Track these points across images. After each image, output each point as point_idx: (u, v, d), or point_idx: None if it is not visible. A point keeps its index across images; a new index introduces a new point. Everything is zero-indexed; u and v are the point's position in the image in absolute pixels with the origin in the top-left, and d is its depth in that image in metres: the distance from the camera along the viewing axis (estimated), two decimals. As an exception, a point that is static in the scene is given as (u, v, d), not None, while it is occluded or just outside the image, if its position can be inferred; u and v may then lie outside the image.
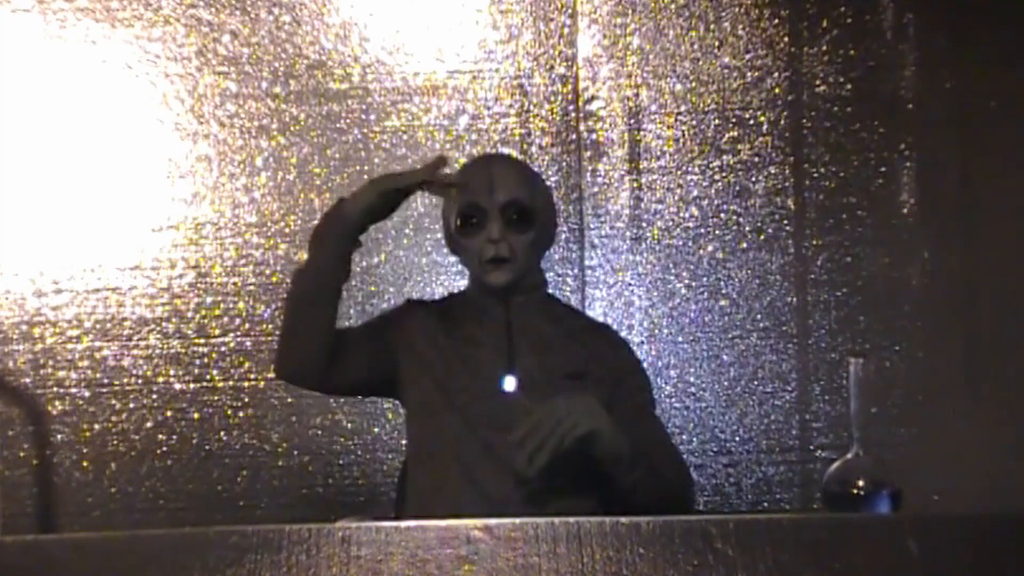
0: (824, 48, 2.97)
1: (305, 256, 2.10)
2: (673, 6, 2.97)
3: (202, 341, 2.96)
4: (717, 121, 2.97)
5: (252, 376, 2.94)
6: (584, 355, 2.11)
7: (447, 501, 2.03)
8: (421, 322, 2.17)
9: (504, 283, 2.10)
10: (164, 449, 2.95)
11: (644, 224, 2.96)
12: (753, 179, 2.96)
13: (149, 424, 2.95)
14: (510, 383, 2.06)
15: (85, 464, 2.94)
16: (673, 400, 2.94)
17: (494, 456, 2.01)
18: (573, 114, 2.97)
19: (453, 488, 2.03)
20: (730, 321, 2.96)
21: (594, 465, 1.90)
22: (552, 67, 2.98)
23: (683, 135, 2.97)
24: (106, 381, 2.95)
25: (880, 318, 2.95)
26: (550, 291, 2.29)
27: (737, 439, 2.95)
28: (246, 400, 2.96)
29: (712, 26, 2.97)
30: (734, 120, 2.97)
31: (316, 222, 2.09)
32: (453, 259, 2.96)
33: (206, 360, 2.96)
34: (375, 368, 2.16)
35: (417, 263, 2.96)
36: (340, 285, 2.06)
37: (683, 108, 2.97)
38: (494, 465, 2.01)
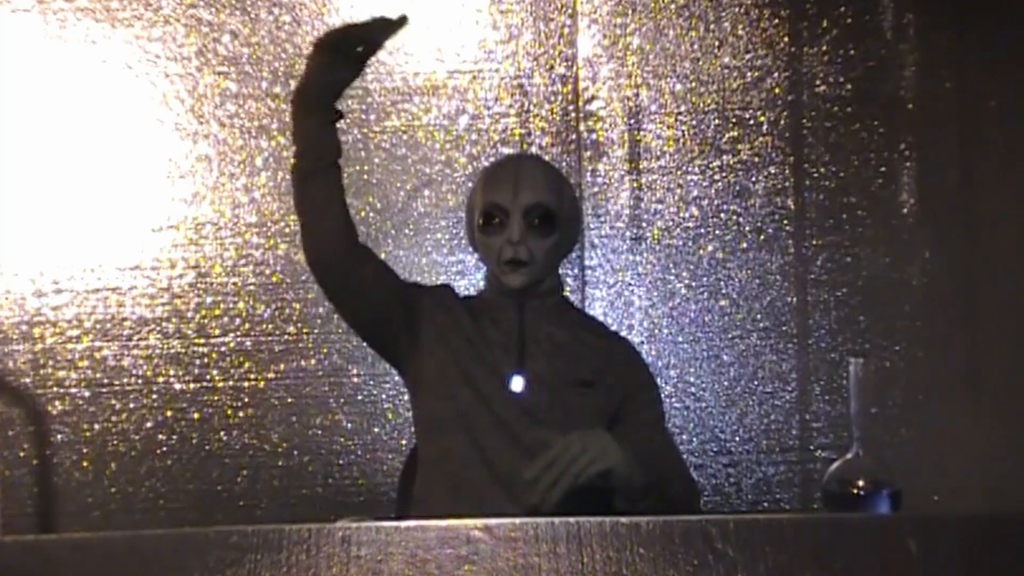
0: (824, 48, 2.97)
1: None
2: (673, 6, 2.98)
3: (202, 341, 2.96)
4: (717, 121, 2.97)
5: (252, 376, 2.94)
6: (596, 364, 2.11)
7: (453, 471, 2.03)
8: (450, 303, 2.17)
9: (520, 285, 2.09)
10: (164, 449, 2.95)
11: (644, 224, 2.96)
12: (753, 179, 2.96)
13: (149, 424, 2.95)
14: (518, 384, 2.06)
15: (85, 464, 2.94)
16: (673, 400, 2.94)
17: (503, 430, 2.01)
18: (573, 114, 2.97)
19: (460, 458, 2.03)
20: (730, 321, 2.96)
21: (606, 496, 1.89)
22: (552, 67, 2.98)
23: (683, 135, 2.97)
24: (106, 381, 2.95)
25: (880, 318, 2.95)
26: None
27: (737, 439, 2.95)
28: (246, 400, 2.96)
29: (712, 26, 2.97)
30: (734, 120, 2.97)
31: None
32: (453, 259, 2.96)
33: (206, 360, 2.96)
34: (390, 307, 2.12)
35: (417, 263, 2.96)
36: (331, 159, 2.02)
37: (683, 108, 2.97)
38: (503, 439, 2.01)
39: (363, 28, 1.96)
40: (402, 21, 1.93)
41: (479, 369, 2.07)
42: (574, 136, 2.97)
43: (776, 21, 2.97)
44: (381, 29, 1.94)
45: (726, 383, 2.95)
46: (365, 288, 2.09)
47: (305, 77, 1.99)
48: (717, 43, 2.97)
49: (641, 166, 2.97)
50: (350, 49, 1.96)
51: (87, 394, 2.94)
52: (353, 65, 1.98)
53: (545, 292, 2.15)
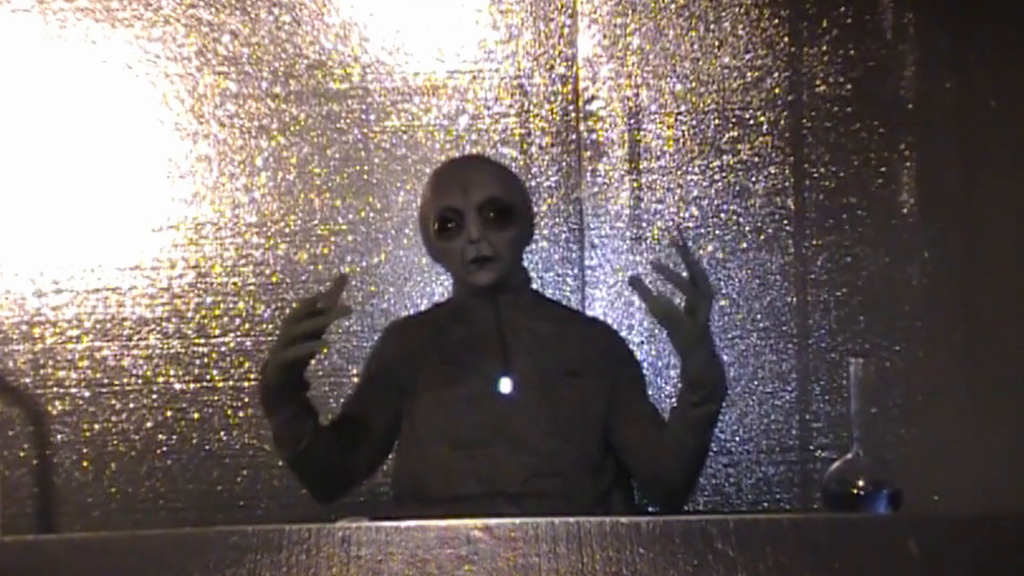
0: (824, 48, 2.97)
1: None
2: (673, 6, 2.97)
3: (202, 341, 2.96)
4: (717, 121, 2.97)
5: (252, 376, 2.94)
6: (580, 352, 2.11)
7: (448, 476, 2.02)
8: (408, 344, 2.16)
9: (489, 282, 2.08)
10: (164, 449, 2.95)
11: (644, 224, 2.96)
12: (753, 179, 2.96)
13: (149, 424, 2.95)
14: (506, 384, 2.06)
15: (85, 464, 2.94)
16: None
17: (495, 432, 2.01)
18: (573, 114, 2.97)
19: (456, 465, 2.02)
20: (730, 321, 2.96)
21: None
22: (552, 67, 2.98)
23: (683, 135, 2.97)
24: (106, 381, 2.94)
25: (880, 318, 2.95)
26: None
27: (737, 439, 2.95)
28: (246, 400, 2.95)
29: (712, 26, 2.97)
30: (734, 120, 2.97)
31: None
32: (453, 259, 2.96)
33: (206, 360, 2.96)
34: (395, 411, 2.15)
35: (417, 263, 2.96)
36: (311, 428, 2.01)
37: (683, 108, 2.97)
38: (497, 440, 2.01)
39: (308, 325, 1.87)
40: (342, 281, 1.87)
41: (464, 376, 2.06)
42: (574, 136, 2.97)
43: (776, 21, 2.97)
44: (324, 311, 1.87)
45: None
46: (379, 444, 2.18)
47: (265, 379, 1.94)
48: (717, 43, 2.97)
49: (641, 166, 2.96)
50: (305, 362, 1.92)
51: (87, 394, 2.94)
52: (308, 354, 1.91)
53: (516, 287, 2.14)
